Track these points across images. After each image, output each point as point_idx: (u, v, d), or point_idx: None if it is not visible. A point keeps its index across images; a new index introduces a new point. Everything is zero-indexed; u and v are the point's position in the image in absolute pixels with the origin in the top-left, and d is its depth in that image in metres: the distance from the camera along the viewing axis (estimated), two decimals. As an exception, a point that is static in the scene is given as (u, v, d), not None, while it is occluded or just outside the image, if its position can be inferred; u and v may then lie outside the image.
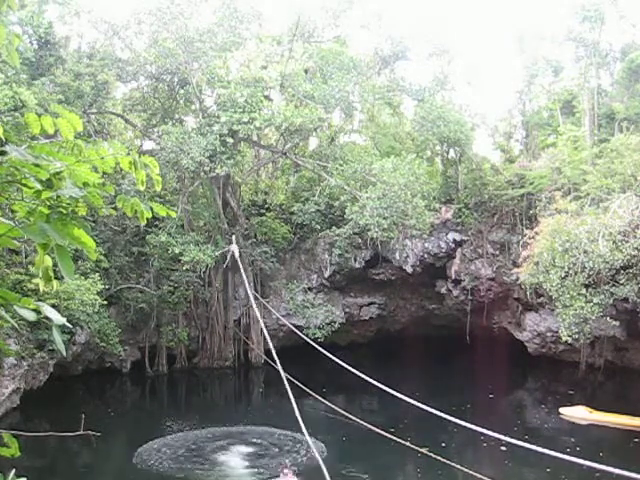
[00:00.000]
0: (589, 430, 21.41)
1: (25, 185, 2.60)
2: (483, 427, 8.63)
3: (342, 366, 12.96)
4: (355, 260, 33.32)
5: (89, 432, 5.22)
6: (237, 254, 18.64)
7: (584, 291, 24.00)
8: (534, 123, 37.46)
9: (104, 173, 2.78)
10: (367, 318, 36.44)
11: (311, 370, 25.11)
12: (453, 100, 35.11)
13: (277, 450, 19.31)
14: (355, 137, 39.19)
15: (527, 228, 29.12)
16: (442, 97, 34.34)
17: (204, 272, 30.46)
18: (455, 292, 33.54)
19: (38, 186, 2.54)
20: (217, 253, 28.16)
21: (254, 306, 21.45)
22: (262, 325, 17.99)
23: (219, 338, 32.57)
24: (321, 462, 10.18)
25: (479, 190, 31.59)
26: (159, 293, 29.46)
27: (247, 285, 18.24)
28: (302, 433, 11.33)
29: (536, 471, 17.03)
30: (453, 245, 32.75)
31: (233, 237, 20.67)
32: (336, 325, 32.78)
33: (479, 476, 13.77)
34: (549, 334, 29.78)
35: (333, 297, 35.05)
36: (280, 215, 34.17)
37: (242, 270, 18.09)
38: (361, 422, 17.22)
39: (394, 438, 15.87)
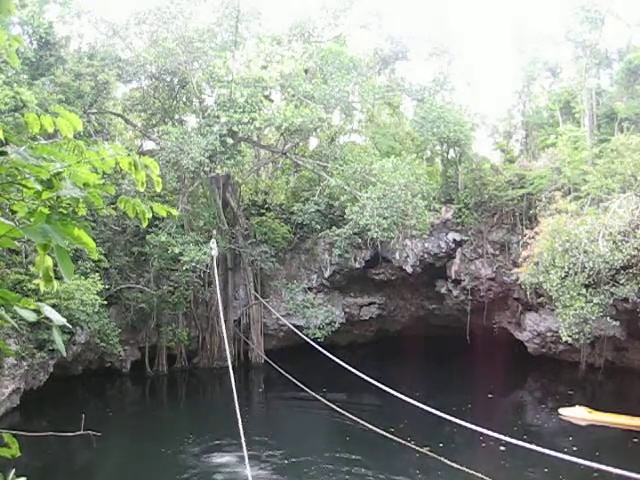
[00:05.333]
0: (588, 430, 21.42)
1: (25, 186, 2.61)
2: (483, 427, 8.64)
3: (342, 366, 12.96)
4: (355, 260, 33.31)
5: (89, 432, 5.23)
6: (215, 254, 18.06)
7: (584, 291, 23.99)
8: (534, 123, 37.47)
9: (104, 173, 2.79)
10: (367, 318, 36.44)
11: (311, 370, 25.12)
12: (453, 100, 35.12)
13: None
14: (355, 137, 39.22)
15: (527, 228, 29.13)
16: (442, 97, 34.35)
17: (204, 272, 30.46)
18: (455, 292, 33.54)
19: (38, 187, 2.55)
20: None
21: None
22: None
23: (219, 338, 32.55)
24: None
25: (479, 190, 31.58)
26: (159, 293, 29.45)
27: (218, 289, 17.76)
28: None
29: (535, 471, 17.04)
30: (453, 245, 32.76)
31: (212, 239, 19.89)
32: (336, 325, 32.78)
33: (479, 476, 13.78)
34: (549, 334, 29.78)
35: (333, 297, 35.05)
36: (280, 215, 34.16)
37: (215, 274, 17.88)
38: (361, 422, 17.22)
39: (394, 438, 15.88)
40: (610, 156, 27.01)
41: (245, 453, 10.37)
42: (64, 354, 3.36)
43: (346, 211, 28.13)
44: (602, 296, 23.88)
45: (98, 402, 27.37)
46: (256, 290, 32.91)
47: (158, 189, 3.02)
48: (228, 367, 33.52)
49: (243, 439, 10.38)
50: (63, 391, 25.26)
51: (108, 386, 29.79)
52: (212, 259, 18.81)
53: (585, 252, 23.43)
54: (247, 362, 33.29)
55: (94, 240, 2.75)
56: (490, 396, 26.05)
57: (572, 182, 27.99)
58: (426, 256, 32.88)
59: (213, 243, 18.47)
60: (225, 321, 32.68)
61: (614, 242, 23.15)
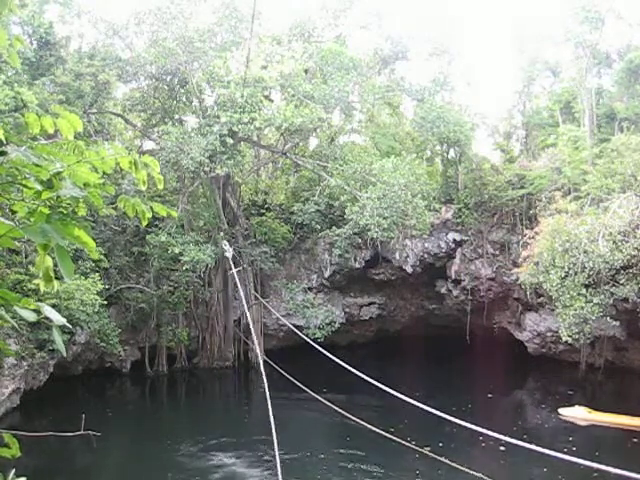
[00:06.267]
0: (588, 430, 21.42)
1: (25, 186, 2.61)
2: (483, 427, 8.62)
3: (342, 366, 12.94)
4: (355, 260, 33.32)
5: (89, 432, 5.24)
6: (230, 255, 18.14)
7: (584, 291, 23.99)
8: (534, 123, 37.47)
9: (104, 173, 2.79)
10: (367, 318, 36.43)
11: (311, 370, 25.11)
12: (453, 100, 35.15)
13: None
14: (355, 137, 39.22)
15: (527, 228, 29.13)
16: (442, 97, 34.36)
17: (204, 272, 30.45)
18: (455, 292, 33.54)
19: (38, 187, 2.55)
20: (213, 253, 27.92)
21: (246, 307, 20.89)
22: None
23: (219, 338, 32.57)
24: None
25: (479, 190, 31.59)
26: (159, 293, 29.45)
27: (240, 286, 17.90)
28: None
29: (535, 471, 17.05)
30: (453, 245, 32.76)
31: (224, 241, 19.99)
32: (336, 325, 32.77)
33: (478, 475, 13.78)
34: (549, 334, 29.78)
35: (333, 297, 35.04)
36: (280, 215, 34.16)
37: (234, 272, 17.78)
38: (361, 422, 17.20)
39: (394, 438, 15.87)
40: (610, 156, 27.02)
41: (277, 457, 9.99)
42: (64, 354, 3.36)
43: (346, 211, 28.13)
44: (602, 296, 23.88)
45: (98, 402, 27.35)
46: (256, 290, 32.90)
47: (160, 187, 3.02)
48: (229, 367, 33.57)
49: (276, 445, 9.95)
50: (63, 391, 25.25)
51: (108, 386, 29.78)
52: (229, 260, 18.81)
53: (585, 252, 23.43)
54: (247, 362, 33.28)
55: (94, 240, 2.75)
56: (490, 396, 26.05)
57: (572, 182, 27.99)
58: (426, 256, 32.88)
59: (226, 245, 18.48)
60: (225, 321, 32.81)
61: (614, 242, 23.15)
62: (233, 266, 18.44)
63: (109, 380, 29.88)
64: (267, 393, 10.68)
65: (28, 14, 26.70)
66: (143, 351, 31.26)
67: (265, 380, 11.29)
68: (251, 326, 15.38)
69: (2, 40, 2.86)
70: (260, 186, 37.08)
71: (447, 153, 35.78)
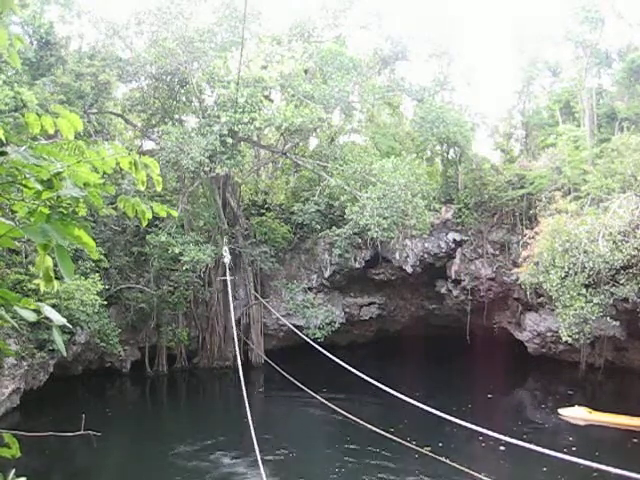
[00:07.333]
0: (588, 430, 21.42)
1: (25, 186, 2.61)
2: (483, 427, 8.63)
3: (342, 366, 12.94)
4: (355, 260, 33.31)
5: (89, 432, 5.24)
6: (227, 261, 18.19)
7: (584, 291, 23.98)
8: (534, 123, 37.47)
9: (104, 173, 2.79)
10: (367, 318, 36.43)
11: (311, 370, 25.12)
12: (453, 100, 35.16)
13: None
14: (355, 137, 39.21)
15: (527, 228, 29.13)
16: (442, 97, 34.36)
17: (204, 272, 30.44)
18: (455, 292, 33.54)
19: (38, 187, 2.55)
20: (213, 253, 27.92)
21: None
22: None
23: (219, 338, 32.57)
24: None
25: (479, 190, 31.59)
26: (159, 293, 29.45)
27: (229, 288, 17.95)
28: None
29: (535, 471, 17.03)
30: (453, 245, 32.76)
31: (225, 247, 19.95)
32: (336, 325, 32.77)
33: (478, 475, 13.78)
34: (549, 334, 29.78)
35: (333, 297, 35.04)
36: (280, 215, 34.17)
37: (227, 275, 17.85)
38: (361, 422, 17.21)
39: (394, 438, 15.87)
40: (610, 156, 27.01)
41: (258, 455, 10.07)
42: (64, 354, 3.36)
43: (346, 211, 28.13)
44: (602, 296, 23.87)
45: (98, 402, 27.35)
46: (256, 290, 32.91)
47: (158, 188, 3.02)
48: (229, 367, 33.57)
49: (256, 443, 10.06)
50: (63, 391, 25.25)
51: (108, 386, 29.78)
52: (226, 266, 18.91)
53: (585, 252, 23.43)
54: (247, 362, 33.26)
55: (94, 240, 2.75)
56: (490, 396, 26.04)
57: (572, 182, 27.99)
58: (426, 256, 32.88)
59: (226, 252, 18.59)
60: (225, 321, 32.79)
61: (614, 242, 23.15)
62: (228, 273, 18.47)
63: (109, 380, 29.88)
64: (245, 398, 10.71)
65: (29, 14, 26.70)
66: (143, 351, 31.26)
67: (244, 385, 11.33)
68: (234, 327, 15.40)
69: (2, 40, 2.85)
70: (260, 186, 37.08)
71: (447, 153, 35.78)
